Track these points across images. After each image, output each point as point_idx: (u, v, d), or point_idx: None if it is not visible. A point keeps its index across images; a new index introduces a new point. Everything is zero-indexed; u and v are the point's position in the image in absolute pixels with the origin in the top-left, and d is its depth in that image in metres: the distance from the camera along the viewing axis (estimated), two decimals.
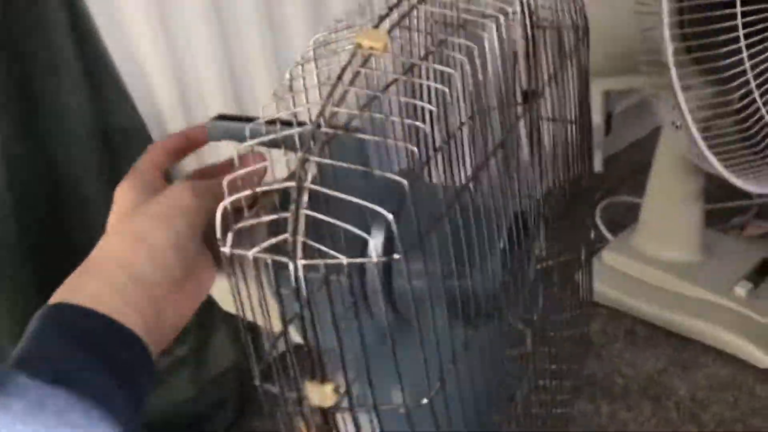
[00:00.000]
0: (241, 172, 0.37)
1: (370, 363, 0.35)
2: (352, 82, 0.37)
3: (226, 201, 0.35)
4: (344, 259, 0.32)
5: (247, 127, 0.40)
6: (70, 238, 0.72)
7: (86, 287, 0.44)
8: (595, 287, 1.02)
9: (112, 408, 0.39)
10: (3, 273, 0.67)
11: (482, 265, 0.42)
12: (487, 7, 0.47)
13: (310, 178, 0.32)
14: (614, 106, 1.30)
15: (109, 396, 0.40)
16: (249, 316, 0.39)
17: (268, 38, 0.82)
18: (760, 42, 0.76)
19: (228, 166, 0.54)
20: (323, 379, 0.35)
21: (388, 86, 0.40)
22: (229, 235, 0.34)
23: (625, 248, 1.04)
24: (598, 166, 1.36)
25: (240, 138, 0.60)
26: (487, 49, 0.41)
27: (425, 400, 0.37)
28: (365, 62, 0.37)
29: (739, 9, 0.75)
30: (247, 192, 0.36)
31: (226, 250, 0.35)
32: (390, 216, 0.32)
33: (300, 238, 0.31)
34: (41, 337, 0.41)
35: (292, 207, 0.32)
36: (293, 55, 0.83)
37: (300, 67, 0.40)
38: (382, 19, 0.42)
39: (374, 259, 0.34)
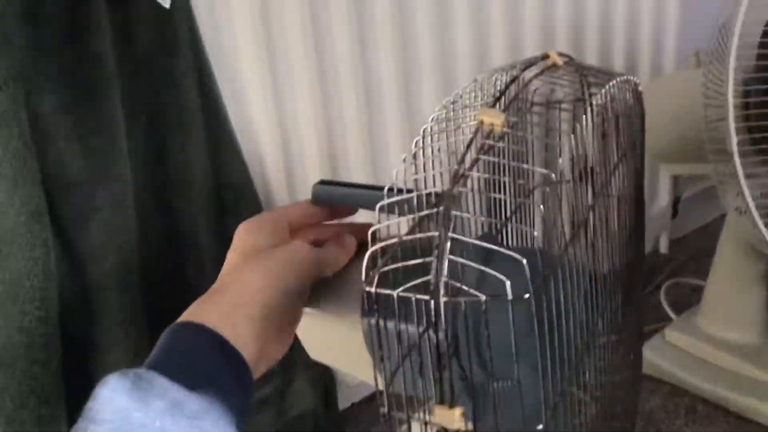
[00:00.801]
0: (383, 224, 0.43)
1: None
2: (481, 151, 0.44)
3: (374, 247, 0.40)
4: (482, 296, 0.37)
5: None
6: (182, 278, 0.80)
7: (211, 312, 0.48)
8: (658, 364, 1.06)
9: (233, 422, 0.44)
10: (122, 302, 0.75)
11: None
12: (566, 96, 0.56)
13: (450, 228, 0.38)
14: (682, 191, 1.36)
15: (231, 410, 0.45)
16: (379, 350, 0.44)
17: (364, 111, 0.91)
18: None
19: (330, 229, 0.60)
20: (452, 404, 0.39)
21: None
22: (375, 276, 0.39)
23: (688, 327, 1.08)
24: (664, 247, 1.41)
25: (341, 201, 0.68)
26: (585, 129, 0.48)
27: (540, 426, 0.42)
28: (489, 135, 0.44)
29: None
30: (394, 240, 0.41)
31: (371, 289, 0.39)
32: (524, 260, 0.38)
33: (443, 279, 0.37)
34: (174, 349, 0.46)
35: (437, 252, 0.38)
36: (383, 127, 0.93)
37: (423, 138, 0.47)
38: (497, 99, 0.50)
39: (510, 296, 0.39)
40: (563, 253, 0.45)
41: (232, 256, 0.54)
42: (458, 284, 0.37)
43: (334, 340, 0.63)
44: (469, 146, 0.45)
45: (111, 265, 0.72)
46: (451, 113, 0.48)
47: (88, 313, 0.72)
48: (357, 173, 0.92)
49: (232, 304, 0.49)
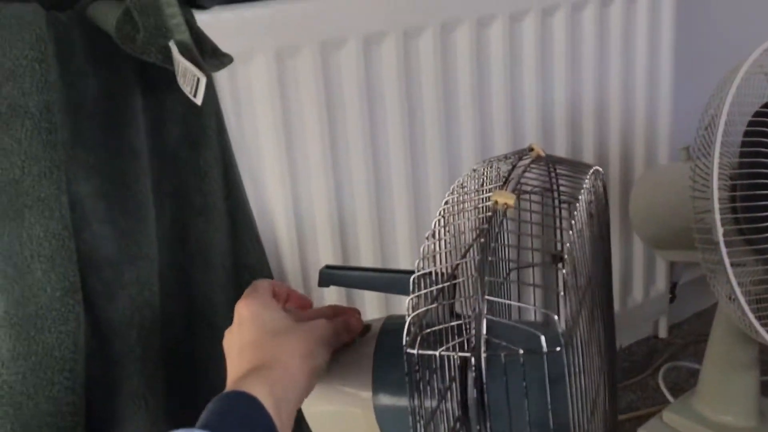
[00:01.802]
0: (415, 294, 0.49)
1: None
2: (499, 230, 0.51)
3: (410, 317, 0.46)
4: (520, 350, 0.43)
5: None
6: (199, 355, 0.85)
7: (262, 387, 0.52)
8: None
9: None
10: (143, 375, 0.79)
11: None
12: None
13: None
14: (680, 276, 1.40)
15: None
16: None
17: (374, 195, 0.97)
18: None
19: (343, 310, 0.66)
20: None
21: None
22: (418, 340, 0.45)
23: (684, 410, 1.11)
24: (663, 332, 1.45)
25: (352, 284, 0.74)
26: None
27: None
28: (504, 213, 0.50)
29: None
30: (433, 305, 0.48)
31: (414, 351, 0.45)
32: (555, 317, 0.43)
33: (483, 337, 0.42)
34: (228, 414, 0.50)
35: (474, 313, 0.43)
36: (392, 214, 0.99)
37: (438, 222, 0.53)
38: (505, 183, 0.57)
39: (545, 348, 0.44)
40: (575, 322, 0.50)
41: (251, 330, 0.58)
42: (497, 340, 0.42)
43: (340, 415, 0.67)
44: (490, 222, 0.52)
45: (134, 339, 0.77)
46: (461, 197, 0.54)
47: (110, 384, 0.77)
48: (366, 258, 0.97)
49: (280, 386, 0.53)
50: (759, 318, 0.90)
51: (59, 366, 0.71)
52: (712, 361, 1.09)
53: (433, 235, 0.53)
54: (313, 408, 0.68)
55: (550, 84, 1.11)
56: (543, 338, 0.43)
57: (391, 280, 0.64)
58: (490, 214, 0.53)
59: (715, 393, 1.08)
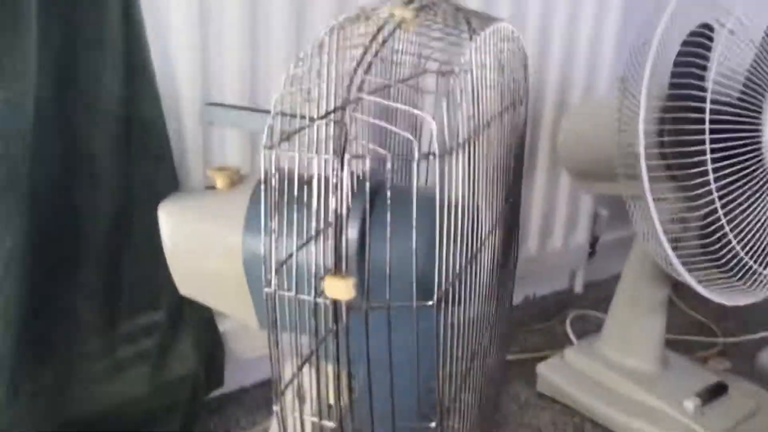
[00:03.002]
0: None
1: None
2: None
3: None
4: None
5: None
6: (72, 201, 0.78)
7: None
8: (553, 383, 1.06)
9: None
10: (7, 208, 0.72)
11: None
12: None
13: None
14: (602, 231, 1.38)
15: None
16: None
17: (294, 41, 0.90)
18: (729, 166, 0.84)
19: None
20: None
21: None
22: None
23: (587, 350, 1.08)
24: (579, 287, 1.42)
25: (234, 125, 0.68)
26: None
27: None
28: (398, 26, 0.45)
29: (707, 126, 0.83)
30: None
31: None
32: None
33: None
34: None
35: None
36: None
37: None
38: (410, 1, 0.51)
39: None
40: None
41: None
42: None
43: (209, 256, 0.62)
44: (376, 35, 0.46)
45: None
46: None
47: None
48: None
49: None
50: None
51: None
52: (620, 301, 1.06)
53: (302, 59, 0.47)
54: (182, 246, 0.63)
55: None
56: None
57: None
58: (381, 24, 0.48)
59: (620, 335, 1.05)
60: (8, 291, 0.72)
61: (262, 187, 0.45)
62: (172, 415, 0.91)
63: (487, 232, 0.56)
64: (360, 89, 0.44)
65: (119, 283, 0.85)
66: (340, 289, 0.43)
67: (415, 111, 0.47)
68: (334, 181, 0.42)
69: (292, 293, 0.45)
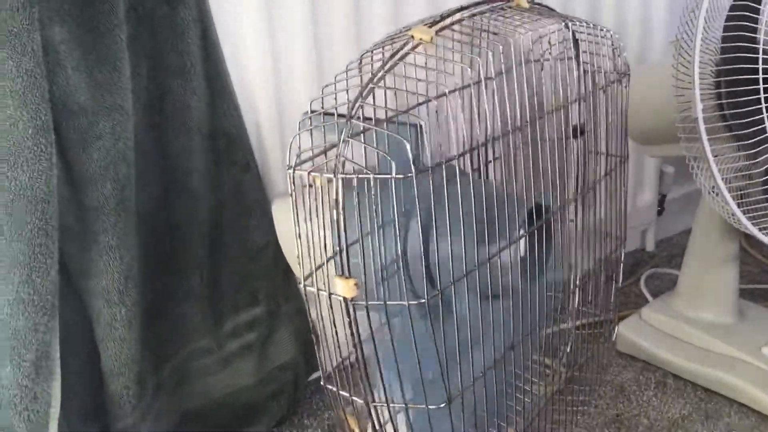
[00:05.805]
0: None
1: None
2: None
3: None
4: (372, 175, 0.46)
5: None
6: (172, 216, 0.86)
7: None
8: (632, 341, 1.10)
9: None
10: (117, 229, 0.79)
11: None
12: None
13: None
14: (669, 189, 1.40)
15: None
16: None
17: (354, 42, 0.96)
18: None
19: None
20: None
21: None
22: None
23: (663, 307, 1.12)
24: (650, 245, 1.45)
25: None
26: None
27: None
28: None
29: (761, 86, 0.85)
30: None
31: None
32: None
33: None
34: None
35: None
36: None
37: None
38: (435, 22, 0.56)
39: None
40: None
41: None
42: None
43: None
44: (393, 56, 0.52)
45: (109, 191, 0.78)
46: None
47: (85, 234, 0.78)
48: None
49: None
50: (743, 212, 0.90)
51: (32, 206, 0.71)
52: (692, 258, 1.09)
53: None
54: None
55: None
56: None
57: None
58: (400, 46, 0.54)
59: (694, 290, 1.09)
60: (130, 301, 0.80)
61: (291, 200, 0.55)
62: (278, 401, 0.99)
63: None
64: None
65: (220, 286, 0.93)
66: (343, 288, 0.53)
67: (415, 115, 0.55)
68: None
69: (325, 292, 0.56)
